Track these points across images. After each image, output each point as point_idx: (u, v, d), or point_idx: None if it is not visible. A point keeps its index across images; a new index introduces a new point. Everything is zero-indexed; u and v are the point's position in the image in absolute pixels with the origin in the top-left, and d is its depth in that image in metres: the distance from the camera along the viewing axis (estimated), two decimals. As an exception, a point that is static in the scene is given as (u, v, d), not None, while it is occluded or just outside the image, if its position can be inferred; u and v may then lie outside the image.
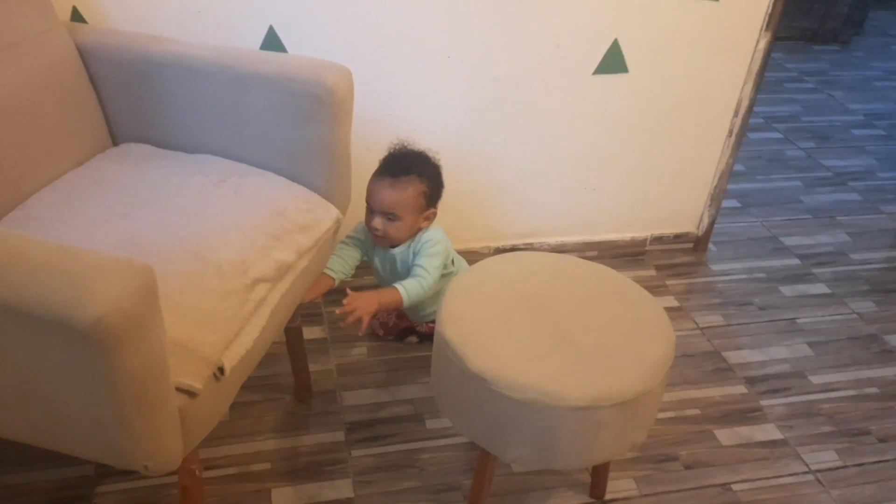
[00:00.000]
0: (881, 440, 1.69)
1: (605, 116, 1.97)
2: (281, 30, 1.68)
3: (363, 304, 1.43)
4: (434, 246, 1.56)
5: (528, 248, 2.13)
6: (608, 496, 1.50)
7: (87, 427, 0.97)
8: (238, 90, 1.38)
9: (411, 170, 1.52)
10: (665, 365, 1.20)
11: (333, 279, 1.57)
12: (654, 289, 2.08)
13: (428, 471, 1.52)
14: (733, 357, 1.88)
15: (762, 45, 1.94)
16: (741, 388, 1.79)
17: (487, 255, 1.51)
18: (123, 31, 1.53)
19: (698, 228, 2.26)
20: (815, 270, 2.24)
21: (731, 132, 2.08)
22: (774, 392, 1.79)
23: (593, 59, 1.87)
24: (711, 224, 2.24)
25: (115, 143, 1.51)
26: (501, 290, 1.31)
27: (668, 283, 2.13)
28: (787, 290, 2.14)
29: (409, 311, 1.75)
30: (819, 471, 1.60)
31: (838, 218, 2.51)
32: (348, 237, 1.67)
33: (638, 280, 1.47)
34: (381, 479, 1.50)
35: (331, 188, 1.42)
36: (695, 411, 1.72)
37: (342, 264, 1.61)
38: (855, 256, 2.32)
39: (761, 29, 1.92)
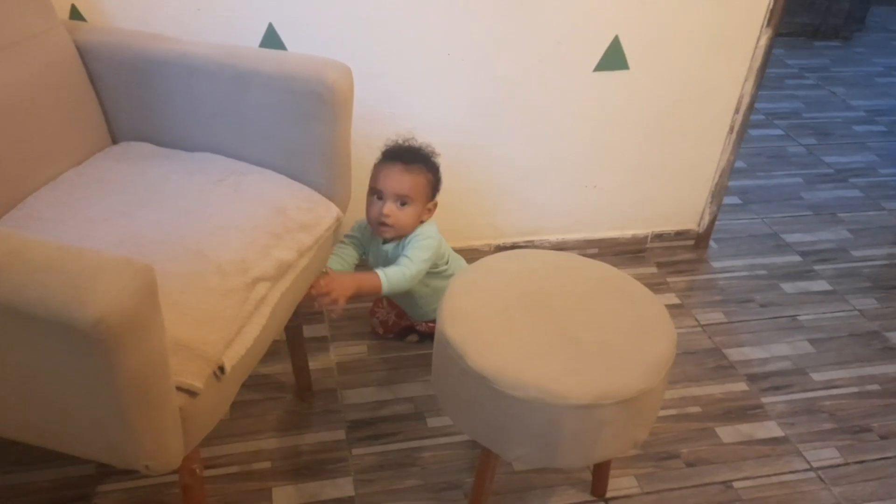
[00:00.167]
0: (883, 437, 1.69)
1: (606, 113, 1.97)
2: (280, 27, 1.68)
3: (340, 286, 1.42)
4: (425, 240, 1.56)
5: (529, 245, 2.13)
6: (609, 494, 1.50)
7: (88, 427, 0.97)
8: (238, 88, 1.38)
9: (419, 159, 1.55)
10: (666, 363, 1.19)
11: None
12: (655, 286, 2.08)
13: (429, 469, 1.52)
14: (734, 354, 1.88)
15: (763, 41, 1.93)
16: (742, 386, 1.79)
17: (488, 253, 1.51)
18: (123, 29, 1.52)
19: (699, 225, 2.26)
20: (817, 267, 2.23)
21: (732, 129, 2.08)
22: (776, 389, 1.79)
23: (594, 56, 1.87)
24: (712, 221, 2.24)
25: (115, 141, 1.51)
26: (502, 288, 1.30)
27: (669, 280, 2.13)
28: (788, 286, 2.14)
29: (407, 309, 1.75)
30: (820, 468, 1.60)
31: (839, 214, 2.51)
32: (346, 236, 1.67)
33: (639, 277, 1.46)
34: (382, 478, 1.50)
35: (331, 186, 1.42)
36: (696, 409, 1.71)
37: (341, 264, 1.60)
38: (856, 253, 2.31)
39: (762, 25, 1.91)
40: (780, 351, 1.91)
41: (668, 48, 1.89)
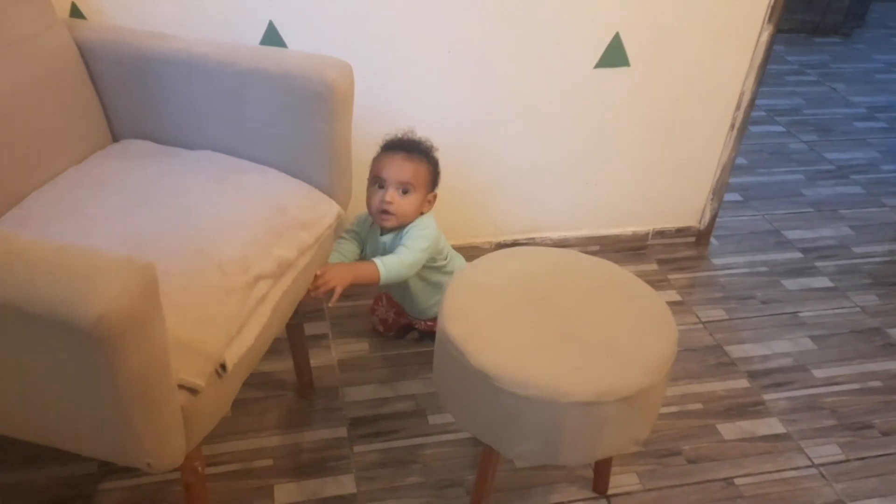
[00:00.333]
0: (884, 434, 1.69)
1: (607, 110, 1.96)
2: (281, 25, 1.68)
3: (336, 275, 1.42)
4: (423, 230, 1.56)
5: (530, 242, 2.13)
6: (611, 491, 1.50)
7: (90, 425, 0.97)
8: (238, 86, 1.37)
9: (420, 149, 1.57)
10: (668, 360, 1.19)
11: None
12: (656, 283, 2.08)
13: (431, 466, 1.52)
14: (736, 351, 1.88)
15: (764, 37, 1.93)
16: (744, 383, 1.79)
17: (489, 251, 1.51)
18: (123, 27, 1.52)
19: (700, 222, 2.25)
20: (818, 264, 2.23)
21: (732, 125, 2.07)
22: (777, 386, 1.79)
23: (594, 52, 1.87)
24: (713, 218, 2.24)
25: (115, 139, 1.51)
26: (503, 285, 1.30)
27: (670, 277, 2.13)
28: (789, 283, 2.14)
29: (405, 305, 1.75)
30: (822, 465, 1.60)
31: (841, 211, 2.51)
32: (346, 232, 1.67)
33: (640, 274, 1.46)
34: (383, 475, 1.50)
35: (332, 184, 1.42)
36: (697, 406, 1.71)
37: (341, 259, 1.60)
38: (857, 250, 2.31)
39: (763, 21, 1.91)
40: (781, 347, 1.90)
41: (668, 45, 1.89)
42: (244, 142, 1.43)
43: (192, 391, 1.01)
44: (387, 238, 1.59)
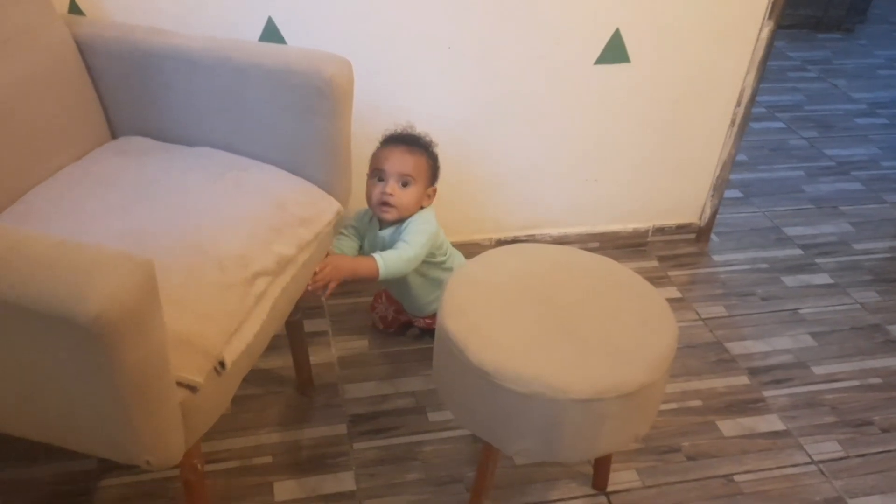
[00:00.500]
0: (884, 430, 1.68)
1: (607, 107, 1.96)
2: (280, 21, 1.67)
3: (333, 270, 1.42)
4: (422, 224, 1.56)
5: (530, 239, 2.13)
6: (610, 488, 1.50)
7: (89, 422, 0.97)
8: (237, 82, 1.37)
9: (420, 143, 1.58)
10: (668, 356, 1.19)
11: None
12: (657, 280, 2.08)
13: (431, 463, 1.52)
14: (736, 348, 1.88)
15: (765, 33, 1.92)
16: (744, 379, 1.78)
17: (489, 247, 1.51)
18: (122, 23, 1.52)
19: (700, 219, 2.25)
20: (818, 260, 2.23)
21: (733, 122, 2.07)
22: (777, 383, 1.79)
23: (595, 49, 1.86)
24: (714, 214, 2.24)
25: (114, 136, 1.51)
26: (503, 282, 1.30)
27: (670, 274, 2.13)
28: (789, 280, 2.14)
29: (403, 301, 1.75)
30: (822, 461, 1.60)
31: (841, 208, 2.50)
32: (345, 227, 1.67)
33: (640, 271, 1.46)
34: (383, 472, 1.50)
35: (331, 181, 1.41)
36: (697, 402, 1.71)
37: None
38: (858, 246, 2.31)
39: (764, 17, 1.90)
40: (781, 344, 1.90)
41: (669, 41, 1.89)
42: (243, 138, 1.42)
43: (191, 388, 1.01)
44: (386, 232, 1.59)
